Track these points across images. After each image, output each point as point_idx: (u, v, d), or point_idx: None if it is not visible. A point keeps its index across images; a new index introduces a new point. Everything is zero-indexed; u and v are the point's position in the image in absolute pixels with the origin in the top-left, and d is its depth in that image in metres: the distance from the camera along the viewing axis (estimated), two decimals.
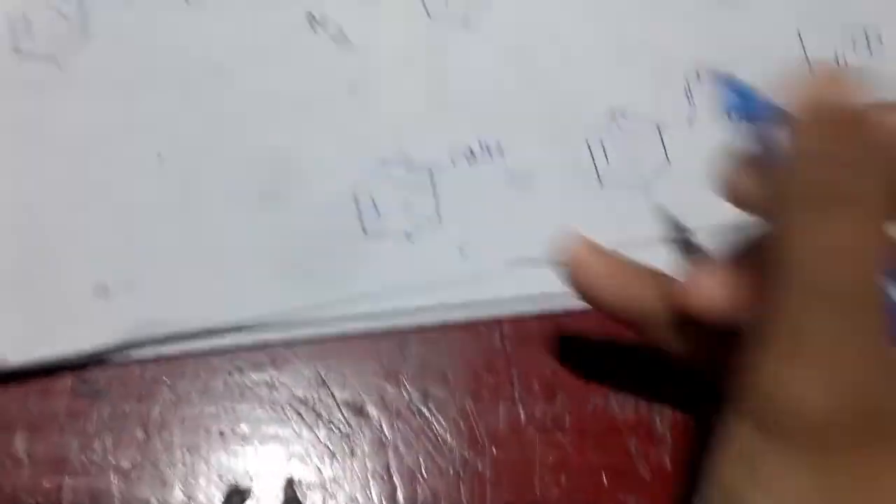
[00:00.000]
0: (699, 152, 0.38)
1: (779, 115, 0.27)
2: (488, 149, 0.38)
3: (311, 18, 0.40)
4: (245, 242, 0.36)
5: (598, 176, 0.38)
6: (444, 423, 0.35)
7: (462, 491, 0.34)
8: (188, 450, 0.34)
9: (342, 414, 0.35)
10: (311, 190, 0.37)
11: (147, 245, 0.36)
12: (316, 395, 0.35)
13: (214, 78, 0.39)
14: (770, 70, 0.39)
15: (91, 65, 0.38)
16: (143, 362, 0.35)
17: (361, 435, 0.35)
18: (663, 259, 0.37)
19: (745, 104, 0.29)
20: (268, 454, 0.34)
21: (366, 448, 0.35)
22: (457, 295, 0.36)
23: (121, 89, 0.38)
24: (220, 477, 0.34)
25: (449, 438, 0.35)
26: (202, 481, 0.34)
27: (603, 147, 0.39)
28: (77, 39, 0.39)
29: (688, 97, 0.40)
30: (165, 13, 0.40)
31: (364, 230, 0.37)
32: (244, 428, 0.35)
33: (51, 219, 0.36)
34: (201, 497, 0.34)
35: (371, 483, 0.35)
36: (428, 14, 0.41)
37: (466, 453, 0.35)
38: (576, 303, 0.36)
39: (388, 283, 0.36)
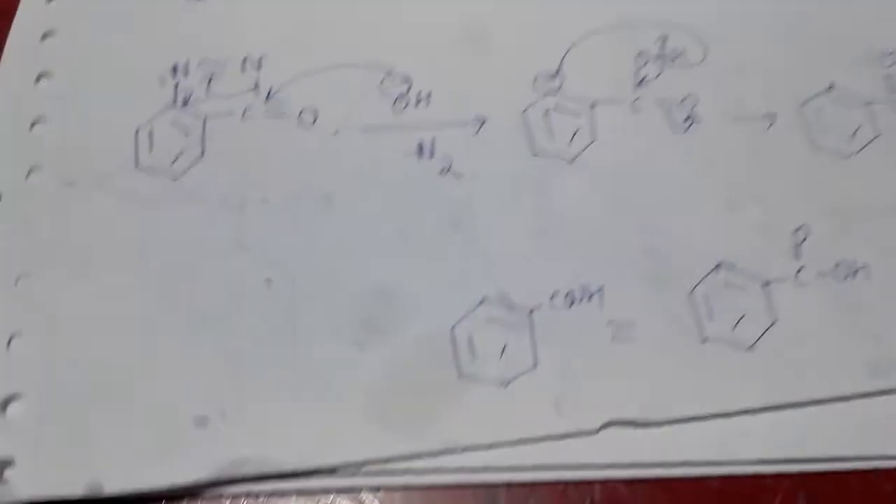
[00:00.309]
0: (808, 313, 0.38)
1: None
2: (589, 294, 0.38)
3: (421, 148, 0.40)
4: (342, 378, 0.36)
5: (701, 331, 0.37)
6: None
7: None
8: None
9: None
10: (409, 325, 0.37)
11: (248, 375, 0.36)
12: None
13: (322, 203, 0.39)
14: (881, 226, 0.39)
15: (205, 182, 0.39)
16: (233, 497, 0.34)
17: None
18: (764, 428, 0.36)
19: None
20: None
21: None
22: (549, 454, 0.35)
23: (232, 210, 0.39)
24: None
25: None
26: None
27: (706, 300, 0.38)
28: (194, 156, 0.39)
29: (795, 254, 0.39)
30: (281, 134, 0.40)
31: (459, 372, 0.36)
32: None
33: (154, 341, 0.36)
34: None
35: None
36: (534, 152, 0.41)
37: None
38: (668, 471, 0.35)
39: (480, 432, 0.35)
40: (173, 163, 0.40)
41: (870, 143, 0.42)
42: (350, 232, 0.39)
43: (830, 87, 0.43)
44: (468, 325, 0.37)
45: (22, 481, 0.34)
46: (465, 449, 0.35)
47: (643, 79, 0.43)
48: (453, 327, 0.37)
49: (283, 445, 0.35)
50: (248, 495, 0.35)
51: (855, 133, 0.42)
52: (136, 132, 0.40)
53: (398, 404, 0.36)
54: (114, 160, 0.39)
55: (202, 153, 0.40)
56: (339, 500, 0.35)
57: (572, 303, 0.38)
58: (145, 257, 0.38)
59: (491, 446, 0.35)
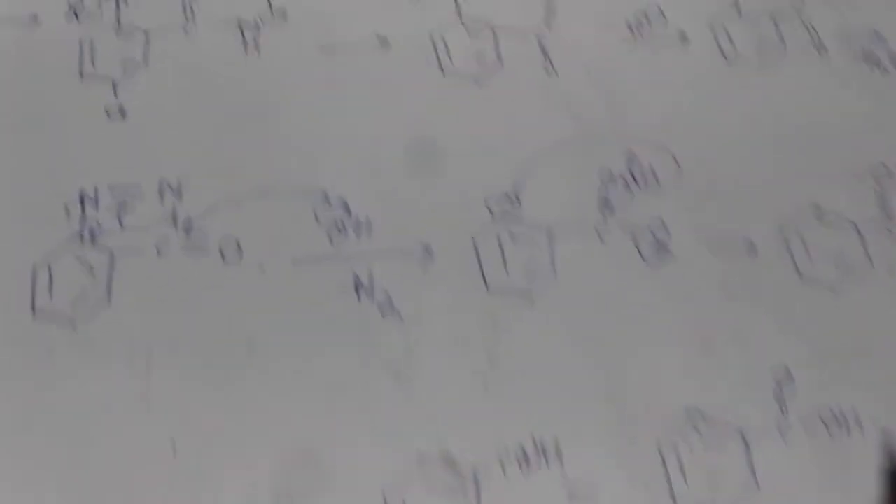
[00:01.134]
0: (791, 471, 0.35)
1: None
2: (544, 451, 0.35)
3: (358, 283, 0.38)
4: None
5: (672, 493, 0.35)
6: None
7: None
8: None
9: None
10: (335, 490, 0.34)
11: None
12: None
13: (242, 351, 0.36)
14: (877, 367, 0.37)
15: (109, 331, 0.36)
16: None
17: None
18: None
19: None
20: None
21: None
22: None
23: (137, 363, 0.36)
24: None
25: None
26: None
27: (678, 456, 0.35)
28: (99, 299, 0.37)
29: (779, 401, 0.36)
30: (199, 272, 0.38)
31: None
32: None
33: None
34: None
35: None
36: (487, 286, 0.38)
37: None
38: None
39: None
40: (74, 307, 0.37)
41: (861, 272, 0.40)
42: (272, 385, 0.36)
43: (816, 208, 0.41)
44: (402, 488, 0.34)
45: None
46: None
47: (608, 201, 0.41)
48: (385, 491, 0.34)
49: None
50: None
51: (844, 261, 0.40)
52: (34, 271, 0.38)
53: None
54: (7, 305, 0.37)
55: (107, 300, 0.37)
56: None
57: (524, 461, 0.35)
58: (36, 419, 0.35)
59: None
